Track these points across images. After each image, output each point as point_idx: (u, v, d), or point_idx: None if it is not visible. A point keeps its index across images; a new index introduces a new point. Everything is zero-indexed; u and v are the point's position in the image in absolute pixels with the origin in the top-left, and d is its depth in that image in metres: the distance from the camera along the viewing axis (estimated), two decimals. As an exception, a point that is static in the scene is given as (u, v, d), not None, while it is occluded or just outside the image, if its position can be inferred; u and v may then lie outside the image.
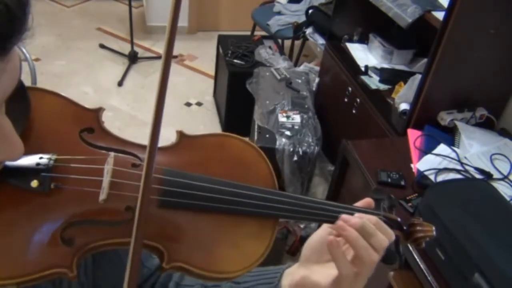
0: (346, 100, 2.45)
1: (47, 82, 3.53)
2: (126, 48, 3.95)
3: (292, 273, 0.68)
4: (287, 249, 2.38)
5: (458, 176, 1.66)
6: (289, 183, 2.47)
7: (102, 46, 4.06)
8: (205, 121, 3.42)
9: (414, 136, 1.85)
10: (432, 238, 0.65)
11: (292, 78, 2.85)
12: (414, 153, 1.79)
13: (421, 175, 1.67)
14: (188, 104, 3.56)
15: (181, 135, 0.62)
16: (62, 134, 0.57)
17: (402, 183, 1.66)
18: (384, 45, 2.44)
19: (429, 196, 1.47)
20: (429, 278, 1.36)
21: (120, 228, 0.53)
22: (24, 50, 2.23)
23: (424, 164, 1.72)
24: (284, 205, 0.60)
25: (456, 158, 1.72)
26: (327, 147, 2.63)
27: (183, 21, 4.35)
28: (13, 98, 0.46)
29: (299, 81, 2.86)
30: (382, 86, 2.31)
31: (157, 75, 0.49)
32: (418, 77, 1.94)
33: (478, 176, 1.66)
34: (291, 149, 2.40)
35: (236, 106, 3.08)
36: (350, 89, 2.41)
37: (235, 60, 3.08)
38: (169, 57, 0.47)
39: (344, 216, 0.60)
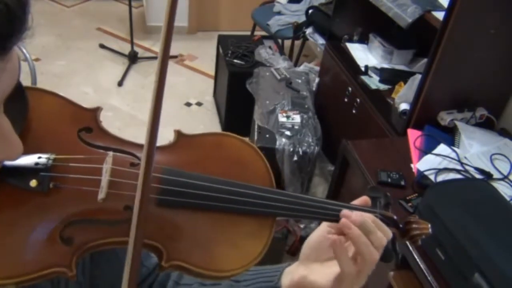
0: (346, 100, 2.45)
1: (47, 82, 3.53)
2: (126, 48, 3.95)
3: (292, 271, 0.68)
4: (287, 249, 2.38)
5: (458, 176, 1.66)
6: (289, 183, 2.47)
7: (102, 46, 4.06)
8: (205, 121, 3.42)
9: (414, 136, 1.85)
10: (428, 236, 0.65)
11: (292, 78, 2.85)
12: (414, 153, 1.79)
13: (421, 175, 1.67)
14: (188, 104, 3.56)
15: (179, 134, 0.62)
16: (61, 134, 0.58)
17: (402, 183, 1.66)
18: (384, 45, 2.44)
19: (429, 196, 1.47)
20: (429, 278, 1.36)
21: (119, 227, 0.53)
22: (24, 50, 2.23)
23: (424, 164, 1.71)
24: (281, 203, 0.60)
25: (456, 158, 1.72)
26: (327, 147, 2.63)
27: (183, 21, 4.35)
28: (11, 98, 0.46)
29: (299, 81, 2.86)
30: (382, 86, 2.31)
31: (157, 75, 0.49)
32: (418, 77, 1.94)
33: (478, 176, 1.66)
34: (291, 149, 2.40)
35: (236, 106, 3.08)
36: (350, 89, 2.41)
37: (235, 60, 3.08)
38: (167, 48, 0.47)
39: (345, 211, 0.61)
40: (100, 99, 3.47)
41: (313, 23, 3.18)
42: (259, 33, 3.54)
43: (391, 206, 0.68)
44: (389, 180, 1.66)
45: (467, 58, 1.78)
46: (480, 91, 1.90)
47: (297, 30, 3.37)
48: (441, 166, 1.69)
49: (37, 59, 3.76)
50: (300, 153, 2.40)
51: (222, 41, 3.28)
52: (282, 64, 3.05)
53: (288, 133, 2.45)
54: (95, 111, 0.61)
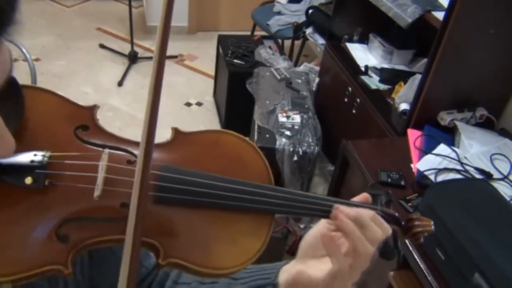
0: (346, 100, 2.45)
1: (47, 82, 3.53)
2: (126, 48, 3.95)
3: (289, 269, 0.68)
4: (287, 249, 2.38)
5: (458, 176, 1.66)
6: (289, 183, 2.46)
7: (102, 46, 4.06)
8: (205, 121, 3.41)
9: (414, 136, 1.85)
10: (431, 233, 0.65)
11: (292, 78, 2.85)
12: (414, 153, 1.79)
13: (421, 175, 1.66)
14: (188, 104, 3.56)
15: (176, 131, 0.62)
16: (57, 132, 0.57)
17: (402, 183, 1.66)
18: (384, 45, 2.44)
19: (429, 196, 1.47)
20: (429, 278, 1.36)
21: (115, 225, 0.53)
22: (24, 50, 2.22)
23: (424, 164, 1.71)
24: (280, 200, 0.60)
25: (456, 158, 1.72)
26: (327, 147, 2.63)
27: (183, 21, 4.35)
28: (7, 96, 0.46)
29: (299, 81, 2.85)
30: (382, 86, 2.31)
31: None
32: (418, 77, 1.94)
33: (478, 176, 1.66)
34: (291, 149, 2.40)
35: (236, 106, 3.08)
36: (350, 89, 2.41)
37: (235, 60, 3.08)
38: (164, 44, 0.47)
39: (338, 205, 0.60)
40: (100, 99, 3.46)
41: (313, 23, 3.18)
42: (259, 33, 3.54)
43: (392, 204, 0.67)
44: (389, 180, 1.66)
45: (467, 58, 1.78)
46: (480, 91, 1.90)
47: (297, 30, 3.37)
48: (441, 166, 1.69)
49: (37, 59, 3.76)
50: (300, 153, 2.40)
51: (222, 41, 3.27)
52: (282, 64, 3.05)
53: (288, 133, 2.45)
54: (92, 109, 0.61)
